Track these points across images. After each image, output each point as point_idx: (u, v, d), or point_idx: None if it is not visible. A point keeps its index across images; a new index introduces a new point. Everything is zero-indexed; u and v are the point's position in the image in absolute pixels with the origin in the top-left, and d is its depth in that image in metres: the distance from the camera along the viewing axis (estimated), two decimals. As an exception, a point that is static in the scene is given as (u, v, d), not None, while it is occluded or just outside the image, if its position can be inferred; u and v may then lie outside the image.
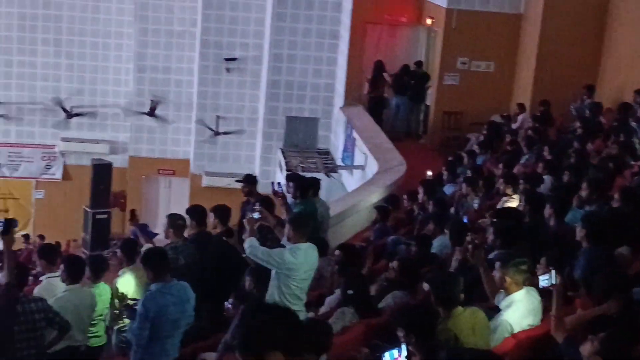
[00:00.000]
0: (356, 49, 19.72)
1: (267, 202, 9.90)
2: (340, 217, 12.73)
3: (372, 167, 15.63)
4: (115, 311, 8.83)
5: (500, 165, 12.04)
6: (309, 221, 8.27)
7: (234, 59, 21.59)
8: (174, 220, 8.93)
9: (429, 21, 19.11)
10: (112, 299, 8.92)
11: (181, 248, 8.64)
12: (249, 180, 11.68)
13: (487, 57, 17.85)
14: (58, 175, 23.31)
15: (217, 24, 21.48)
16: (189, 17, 22.05)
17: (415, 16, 19.90)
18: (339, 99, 20.57)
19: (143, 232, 10.58)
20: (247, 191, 11.40)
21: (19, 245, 20.81)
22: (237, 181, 12.15)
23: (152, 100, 22.05)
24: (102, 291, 8.94)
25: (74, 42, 22.68)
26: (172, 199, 22.90)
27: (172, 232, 8.88)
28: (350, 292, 7.47)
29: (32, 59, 22.64)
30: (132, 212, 10.80)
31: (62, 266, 8.56)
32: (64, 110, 22.40)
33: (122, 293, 8.88)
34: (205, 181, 21.92)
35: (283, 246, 7.86)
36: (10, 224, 7.86)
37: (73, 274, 8.42)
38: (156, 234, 11.52)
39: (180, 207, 17.26)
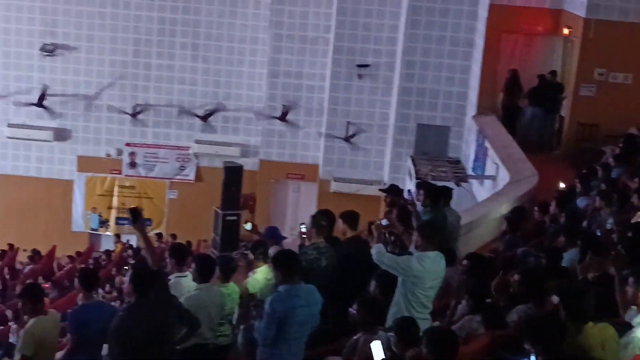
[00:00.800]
0: (490, 58, 19.57)
1: (404, 210, 9.89)
2: (470, 226, 12.62)
3: (504, 177, 15.45)
4: (244, 311, 8.94)
5: (636, 180, 11.66)
6: (438, 230, 8.22)
7: (366, 66, 21.74)
8: (318, 221, 9.00)
9: (566, 31, 18.78)
10: (240, 298, 9.03)
11: (324, 249, 8.71)
12: (393, 191, 11.67)
13: (626, 68, 17.41)
14: (191, 176, 23.99)
15: (351, 30, 21.70)
16: (323, 23, 22.39)
17: (552, 26, 19.60)
18: (471, 108, 20.48)
19: (272, 235, 10.78)
20: (389, 201, 11.37)
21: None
22: (380, 190, 12.20)
23: (283, 105, 22.49)
24: (231, 291, 9.08)
25: (211, 47, 23.29)
26: (300, 203, 23.29)
27: (315, 232, 8.95)
28: (488, 300, 7.43)
29: (170, 63, 23.39)
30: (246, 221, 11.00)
31: (193, 265, 8.73)
32: (208, 114, 23.17)
33: (252, 293, 9.02)
34: (334, 186, 22.16)
35: (411, 254, 7.81)
36: (135, 212, 8.16)
37: (204, 273, 8.59)
38: (284, 238, 11.65)
39: (308, 211, 17.51)
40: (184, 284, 8.74)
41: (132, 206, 8.92)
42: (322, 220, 9.13)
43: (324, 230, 9.05)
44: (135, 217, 8.12)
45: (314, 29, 22.54)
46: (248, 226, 11.05)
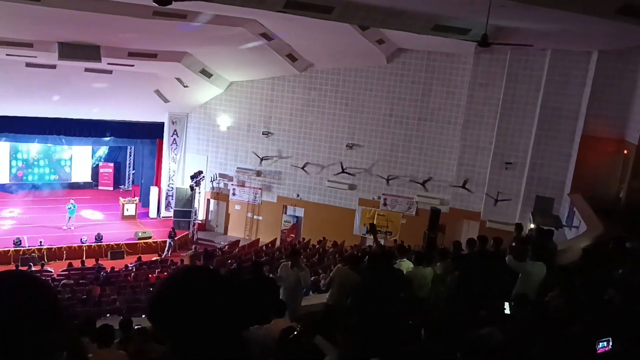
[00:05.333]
0: (580, 160, 19.91)
1: (523, 239, 9.97)
2: (561, 253, 10.88)
3: (583, 227, 15.43)
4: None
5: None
6: (543, 251, 8.09)
7: (510, 163, 21.90)
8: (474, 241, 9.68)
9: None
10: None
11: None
12: (519, 227, 12.01)
13: None
14: (413, 212, 24.51)
15: (505, 142, 21.85)
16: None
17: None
18: (567, 188, 20.34)
19: (455, 246, 10.65)
20: (516, 230, 11.80)
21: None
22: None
23: (464, 180, 23.19)
24: (429, 272, 8.69)
25: (428, 147, 24.06)
26: (469, 232, 22.52)
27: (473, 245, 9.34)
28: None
29: (406, 155, 24.50)
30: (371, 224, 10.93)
31: (414, 255, 9.10)
32: (426, 180, 23.93)
33: (439, 274, 8.79)
34: (488, 224, 22.20)
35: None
36: (372, 225, 9.30)
37: (419, 261, 8.74)
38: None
39: (473, 236, 18.47)
40: (404, 265, 8.89)
41: (371, 222, 9.69)
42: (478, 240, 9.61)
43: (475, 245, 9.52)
44: (371, 228, 9.40)
45: (484, 141, 22.78)
46: None
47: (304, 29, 19.03)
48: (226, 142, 26.99)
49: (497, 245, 9.73)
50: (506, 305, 6.22)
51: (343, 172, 25.18)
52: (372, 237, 9.81)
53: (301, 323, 6.11)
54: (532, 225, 18.03)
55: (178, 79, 24.33)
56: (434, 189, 24.47)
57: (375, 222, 24.33)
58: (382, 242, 23.78)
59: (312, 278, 13.74)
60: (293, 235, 26.42)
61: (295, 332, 5.05)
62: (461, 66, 23.25)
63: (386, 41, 22.26)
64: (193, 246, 24.47)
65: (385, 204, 25.20)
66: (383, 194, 25.17)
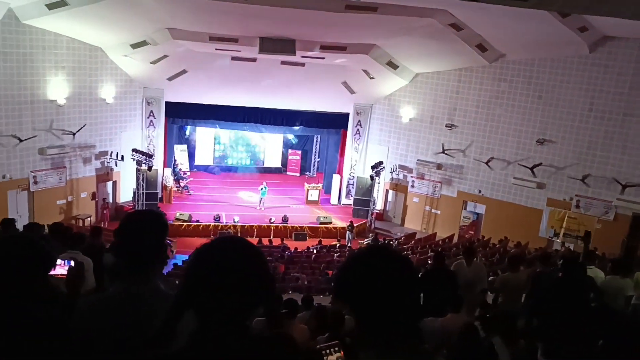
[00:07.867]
0: None
1: None
2: None
3: None
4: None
5: None
6: None
7: None
8: None
9: None
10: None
11: None
12: None
13: None
14: (611, 217, 22.61)
15: None
16: None
17: None
18: None
19: None
20: None
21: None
22: None
23: None
24: (633, 281, 8.23)
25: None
26: None
27: None
28: None
29: (605, 153, 22.92)
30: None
31: (610, 264, 8.51)
32: (623, 185, 21.93)
33: None
34: None
35: None
36: (587, 234, 8.92)
37: (615, 270, 8.25)
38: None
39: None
40: (593, 273, 8.14)
41: (587, 230, 9.06)
42: None
43: None
44: (586, 236, 8.93)
45: None
46: None
47: (497, 18, 18.40)
48: (408, 134, 27.28)
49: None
50: None
51: (532, 168, 23.98)
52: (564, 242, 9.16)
53: (478, 322, 6.09)
54: None
55: (365, 71, 25.11)
56: (638, 192, 22.14)
57: (564, 225, 23.74)
58: (571, 246, 22.58)
59: (490, 278, 13.55)
60: (472, 232, 25.96)
61: (475, 330, 5.09)
62: (682, 55, 20.63)
63: (589, 28, 20.52)
64: (370, 234, 25.10)
65: (578, 206, 23.56)
66: (576, 195, 23.52)
